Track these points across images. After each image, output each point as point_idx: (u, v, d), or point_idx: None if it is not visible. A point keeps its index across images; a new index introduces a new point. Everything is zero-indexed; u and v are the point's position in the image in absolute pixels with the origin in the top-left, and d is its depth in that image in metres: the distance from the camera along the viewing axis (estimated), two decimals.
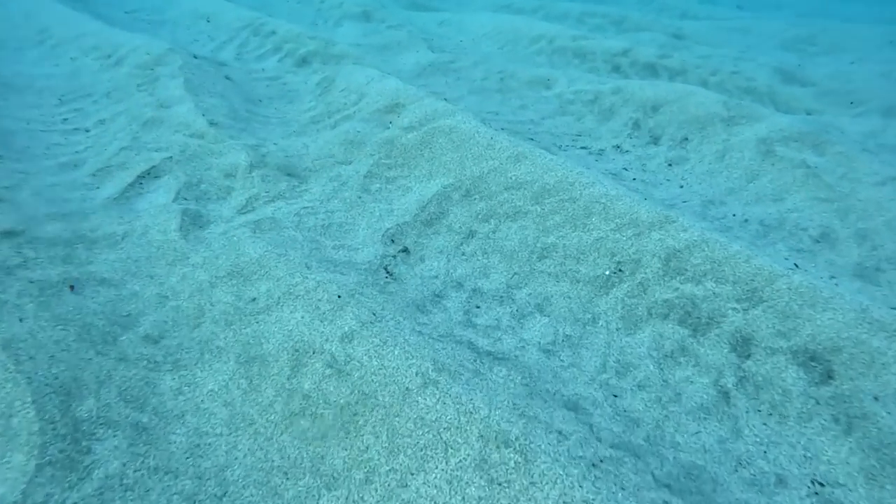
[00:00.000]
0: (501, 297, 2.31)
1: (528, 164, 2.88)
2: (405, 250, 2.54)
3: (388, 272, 2.36)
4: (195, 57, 4.74)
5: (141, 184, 2.95)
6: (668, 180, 3.36)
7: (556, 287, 2.33)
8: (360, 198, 2.89)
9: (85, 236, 2.43)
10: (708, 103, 3.95)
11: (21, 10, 6.04)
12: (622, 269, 2.34)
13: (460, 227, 2.67)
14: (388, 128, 3.43)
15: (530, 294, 2.32)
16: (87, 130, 3.58)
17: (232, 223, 2.64)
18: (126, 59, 4.60)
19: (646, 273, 2.28)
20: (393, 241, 2.57)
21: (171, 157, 3.18)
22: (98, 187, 2.91)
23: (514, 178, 2.83)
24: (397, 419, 1.61)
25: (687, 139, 3.78)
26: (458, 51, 5.87)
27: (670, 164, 3.53)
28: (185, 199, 2.84)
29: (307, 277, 2.16)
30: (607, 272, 2.34)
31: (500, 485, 1.41)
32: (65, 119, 3.71)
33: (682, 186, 3.28)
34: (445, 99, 3.74)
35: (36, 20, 5.75)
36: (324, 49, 5.37)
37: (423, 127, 3.32)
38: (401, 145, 3.22)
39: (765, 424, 1.74)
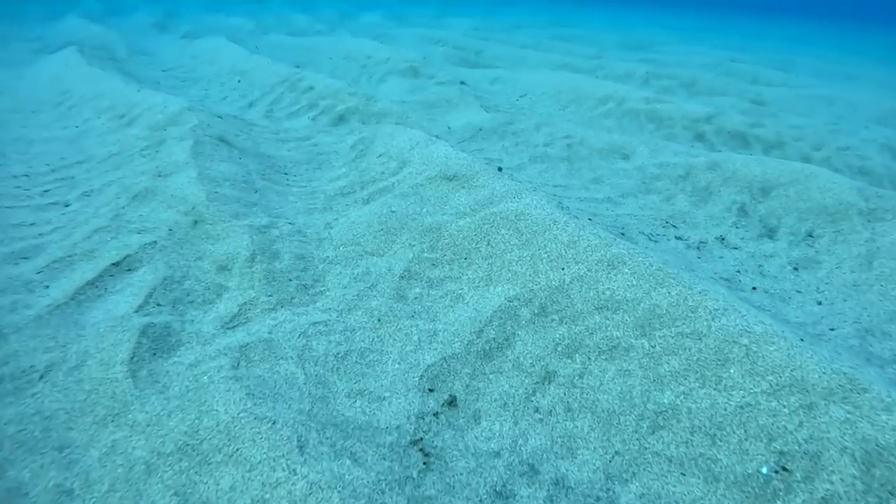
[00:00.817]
0: (598, 497, 1.42)
1: (627, 273, 2.01)
2: (452, 401, 1.68)
3: (424, 453, 1.49)
4: (219, 116, 4.15)
5: (104, 281, 2.22)
6: (798, 292, 2.44)
7: (681, 486, 1.41)
8: (392, 309, 2.07)
9: None
10: (837, 189, 3.04)
11: (51, 74, 5.72)
12: (788, 467, 1.41)
13: (532, 365, 1.81)
14: (435, 208, 2.64)
15: (642, 496, 1.41)
16: (67, 205, 2.93)
17: (209, 347, 1.85)
18: (139, 119, 4.05)
19: (832, 483, 1.34)
20: (432, 389, 1.72)
21: (154, 241, 2.46)
22: (47, 286, 2.19)
23: (608, 293, 1.96)
24: None
25: (813, 235, 2.87)
26: (515, 111, 5.16)
27: (796, 269, 2.62)
28: (158, 304, 2.08)
29: (295, 473, 1.31)
30: (764, 469, 1.42)
31: None
32: (45, 191, 3.09)
33: (820, 303, 2.36)
34: (501, 168, 2.97)
35: (61, 82, 5.38)
36: (364, 106, 4.74)
37: (481, 210, 2.52)
38: (450, 235, 2.41)
39: None
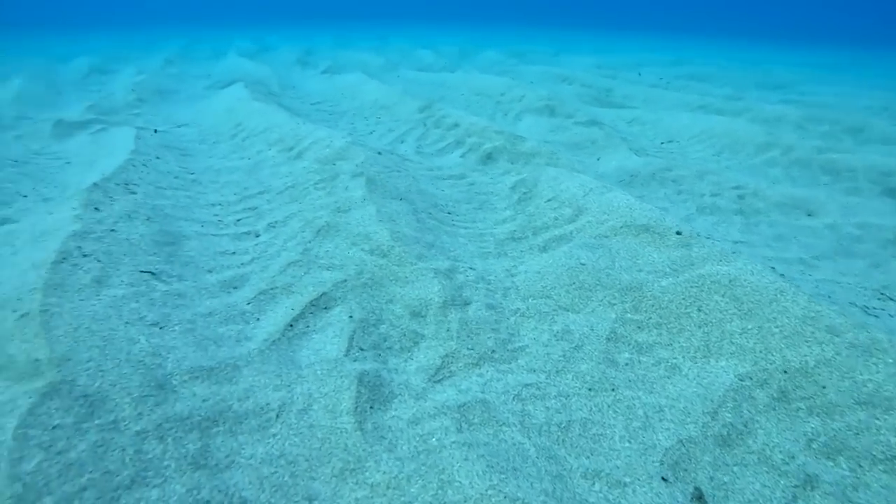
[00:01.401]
0: None
1: (891, 364, 1.75)
2: (700, 496, 1.51)
3: None
4: (379, 152, 4.28)
5: (307, 318, 2.27)
6: None
7: None
8: (605, 375, 1.94)
9: (230, 410, 1.72)
10: None
11: (225, 107, 6.24)
12: None
13: (785, 463, 1.59)
14: (628, 264, 2.50)
15: None
16: (258, 235, 3.09)
17: (425, 404, 1.80)
18: (307, 152, 4.27)
19: None
20: (666, 478, 1.56)
21: (345, 280, 2.51)
22: (258, 319, 2.28)
23: (870, 385, 1.72)
24: None
25: None
26: (665, 155, 4.93)
27: None
28: (361, 348, 2.09)
29: None
30: None
31: None
32: (238, 220, 3.28)
33: None
34: (680, 232, 2.77)
35: (234, 115, 5.84)
36: (511, 145, 4.72)
37: (684, 271, 2.35)
38: (653, 296, 2.26)
39: None
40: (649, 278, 2.34)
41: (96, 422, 1.51)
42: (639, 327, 2.15)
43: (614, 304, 2.27)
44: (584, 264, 2.52)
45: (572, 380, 1.93)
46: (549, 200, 3.34)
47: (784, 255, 3.06)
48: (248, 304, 2.38)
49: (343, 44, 17.01)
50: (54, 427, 1.46)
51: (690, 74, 10.92)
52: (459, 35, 21.90)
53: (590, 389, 1.89)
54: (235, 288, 2.52)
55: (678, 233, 2.76)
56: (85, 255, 2.41)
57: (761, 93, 9.31)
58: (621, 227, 2.79)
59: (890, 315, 2.51)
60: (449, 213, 3.49)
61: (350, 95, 7.44)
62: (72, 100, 7.45)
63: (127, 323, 2.00)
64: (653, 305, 2.21)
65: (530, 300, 2.41)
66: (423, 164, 4.46)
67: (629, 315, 2.20)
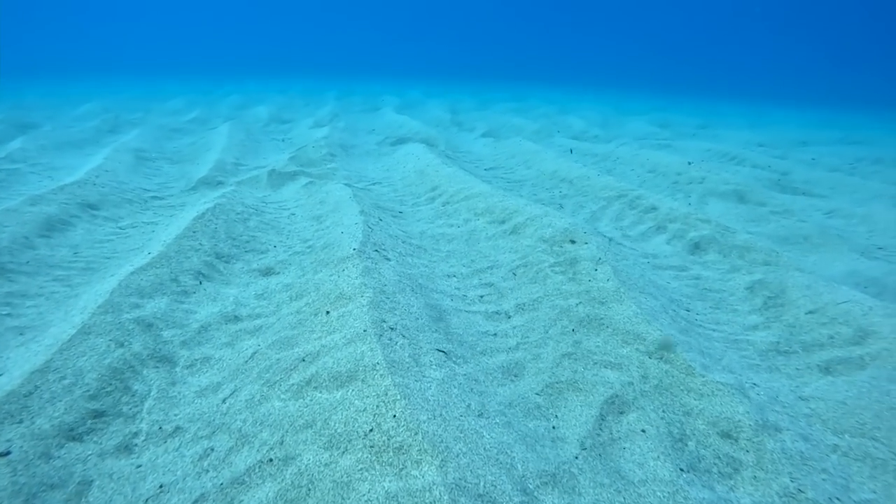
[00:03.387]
0: None
1: None
2: None
3: None
4: (604, 236, 4.29)
5: (608, 424, 2.24)
6: None
7: None
8: None
9: None
10: None
11: (415, 168, 6.62)
12: None
13: None
14: None
15: None
16: (509, 317, 3.16)
17: None
18: (524, 229, 4.37)
19: None
20: None
21: (630, 382, 2.47)
22: (556, 416, 2.28)
23: None
24: None
25: None
26: None
27: None
28: (681, 469, 2.01)
29: None
30: None
31: None
32: (480, 297, 3.38)
33: None
34: None
35: (426, 178, 6.17)
36: (721, 236, 4.55)
37: None
38: None
39: None
40: None
41: None
42: None
43: None
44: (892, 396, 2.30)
45: None
46: (811, 313, 3.14)
47: None
48: (538, 395, 2.40)
49: (482, 103, 17.68)
50: None
51: (875, 158, 10.13)
52: (584, 96, 22.05)
53: None
54: (515, 377, 2.56)
55: None
56: (392, 329, 2.56)
57: None
58: None
59: None
60: (688, 310, 3.39)
61: (524, 163, 7.63)
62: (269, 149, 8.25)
63: (462, 412, 2.08)
64: None
65: (847, 437, 2.23)
66: (635, 250, 4.40)
67: None
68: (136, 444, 2.00)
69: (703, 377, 2.47)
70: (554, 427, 2.22)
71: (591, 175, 6.41)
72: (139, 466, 1.88)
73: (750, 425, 2.20)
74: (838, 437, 2.23)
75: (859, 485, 1.99)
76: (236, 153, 7.49)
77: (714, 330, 3.18)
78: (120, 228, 4.35)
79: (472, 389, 2.33)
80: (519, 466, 1.87)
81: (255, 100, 15.95)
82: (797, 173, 8.31)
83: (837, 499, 1.91)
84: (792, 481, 1.97)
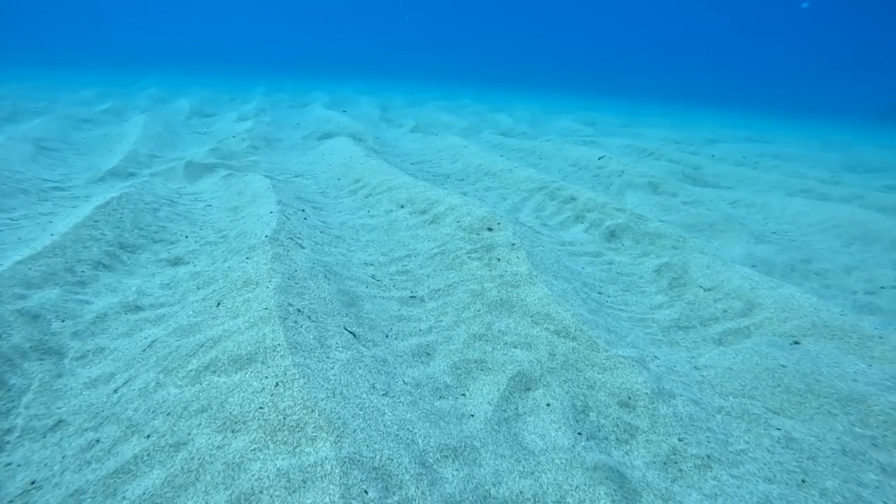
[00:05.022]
0: None
1: None
2: None
3: None
4: (523, 224, 4.38)
5: (514, 398, 2.29)
6: None
7: None
8: (858, 496, 1.87)
9: (490, 496, 1.73)
10: None
11: (339, 161, 6.52)
12: None
13: None
14: (835, 371, 2.45)
15: None
16: (423, 301, 3.16)
17: None
18: (444, 218, 4.39)
19: None
20: None
21: (538, 359, 2.53)
22: (463, 394, 2.31)
23: None
24: None
25: None
26: (791, 243, 4.88)
27: None
28: (581, 437, 2.08)
29: None
30: None
31: None
32: (396, 283, 3.37)
33: None
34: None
35: (351, 170, 6.09)
36: (635, 224, 4.76)
37: None
38: (882, 412, 2.19)
39: None
40: (871, 390, 2.28)
41: (395, 498, 1.54)
42: (874, 445, 2.09)
43: (836, 416, 2.21)
44: (784, 366, 2.48)
45: (820, 497, 1.87)
46: (709, 290, 3.33)
47: None
48: (448, 375, 2.42)
49: (415, 101, 17.68)
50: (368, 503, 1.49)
51: (775, 154, 10.90)
52: (518, 96, 22.53)
53: None
54: (427, 356, 2.57)
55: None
56: (299, 311, 2.51)
57: (858, 177, 9.19)
58: (810, 328, 2.75)
59: None
60: (600, 293, 3.52)
61: (450, 157, 7.68)
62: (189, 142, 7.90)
63: (365, 391, 2.06)
64: (885, 422, 2.15)
65: (731, 398, 2.38)
66: (553, 238, 4.52)
67: (858, 429, 2.15)
68: (7, 442, 1.85)
69: (607, 352, 2.56)
70: (461, 405, 2.24)
71: (515, 168, 6.54)
72: (8, 465, 1.74)
73: (646, 393, 2.30)
74: (724, 399, 2.38)
75: (736, 438, 2.13)
76: (152, 145, 7.13)
77: (623, 310, 3.31)
78: (11, 220, 4.03)
79: (379, 370, 2.31)
80: (420, 442, 1.87)
81: (177, 93, 15.25)
82: (707, 167, 8.80)
83: (718, 452, 2.03)
84: (680, 440, 2.08)
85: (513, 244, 3.64)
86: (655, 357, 2.67)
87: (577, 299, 3.11)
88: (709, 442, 2.10)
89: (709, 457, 2.02)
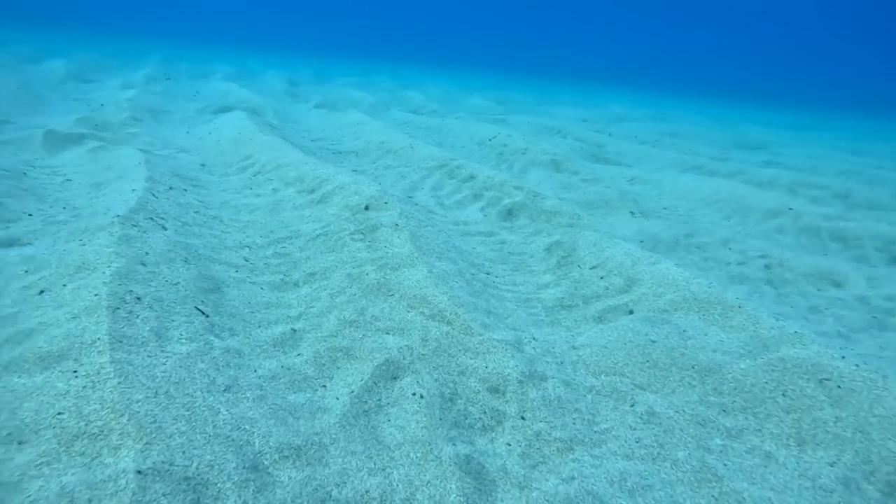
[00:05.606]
0: None
1: None
2: None
3: None
4: (411, 203, 4.21)
5: (378, 389, 2.15)
6: None
7: None
8: (705, 464, 1.88)
9: (330, 497, 1.57)
10: None
11: (230, 137, 6.07)
12: None
13: None
14: (699, 343, 2.49)
15: None
16: (297, 286, 2.95)
17: (531, 493, 1.70)
18: (332, 197, 4.15)
19: None
20: None
21: (409, 346, 2.40)
22: (324, 386, 2.14)
23: None
24: None
25: None
26: (680, 219, 5.05)
27: None
28: (441, 419, 1.98)
29: None
30: None
31: None
32: (270, 266, 3.13)
33: None
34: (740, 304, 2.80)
35: (241, 147, 5.68)
36: (532, 202, 4.73)
37: (761, 354, 2.34)
38: (734, 379, 2.24)
39: None
40: (726, 359, 2.32)
41: None
42: (724, 411, 2.12)
43: (694, 386, 2.23)
44: (654, 341, 2.49)
45: (671, 468, 1.87)
46: (593, 268, 3.34)
47: (822, 328, 3.11)
48: (310, 366, 2.24)
49: (325, 76, 17.04)
50: None
51: (671, 132, 11.38)
52: (435, 74, 22.31)
53: (696, 479, 1.82)
54: (291, 346, 2.37)
55: (774, 317, 2.78)
56: (139, 300, 2.22)
57: (743, 153, 9.76)
58: (681, 301, 2.79)
59: None
60: (488, 273, 3.44)
61: (352, 135, 7.38)
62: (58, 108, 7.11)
63: (201, 388, 1.84)
64: (735, 389, 2.19)
65: (603, 377, 2.36)
66: (448, 218, 4.41)
67: (712, 398, 2.17)
68: None
69: (481, 336, 2.46)
70: (319, 398, 2.06)
71: (416, 146, 6.36)
72: None
73: (517, 378, 2.23)
74: (596, 378, 2.35)
75: (603, 417, 2.10)
76: (4, 108, 6.33)
77: (509, 290, 3.24)
78: None
79: (228, 363, 2.09)
80: (257, 442, 1.68)
81: (52, 53, 13.73)
82: (612, 146, 9.02)
83: (582, 433, 1.99)
84: (546, 424, 2.02)
85: (396, 224, 3.48)
86: (534, 339, 2.61)
87: (459, 281, 3.00)
88: (574, 424, 2.05)
89: (572, 439, 1.97)
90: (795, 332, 2.44)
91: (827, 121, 20.06)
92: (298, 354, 2.32)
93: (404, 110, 10.84)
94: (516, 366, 2.27)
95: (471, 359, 2.36)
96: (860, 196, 6.47)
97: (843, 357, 2.23)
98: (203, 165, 5.17)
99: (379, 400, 2.09)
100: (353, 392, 2.09)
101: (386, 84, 15.82)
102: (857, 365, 2.16)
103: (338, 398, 2.05)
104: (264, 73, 14.98)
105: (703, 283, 2.90)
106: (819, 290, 3.60)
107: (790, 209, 5.14)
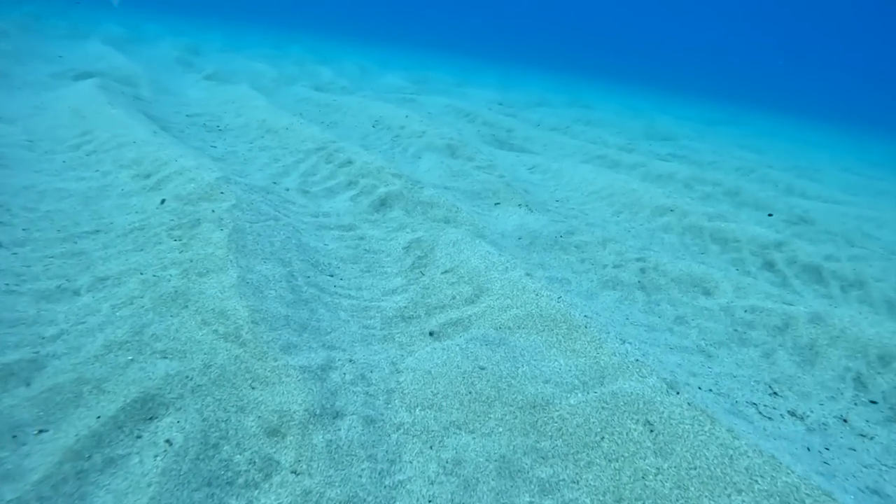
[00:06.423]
0: None
1: None
2: None
3: None
4: (256, 191, 3.70)
5: (117, 433, 1.69)
6: None
7: None
8: None
9: None
10: None
11: (71, 108, 5.26)
12: None
13: None
14: (532, 370, 2.17)
15: None
16: (77, 294, 2.41)
17: None
18: (166, 183, 3.58)
19: None
20: None
21: (186, 375, 1.95)
22: (39, 432, 1.66)
23: None
24: None
25: None
26: (567, 214, 4.80)
27: None
28: (186, 481, 1.55)
29: None
30: None
31: None
32: (50, 268, 2.57)
33: None
34: (587, 316, 2.52)
35: (82, 120, 4.92)
36: (409, 191, 4.34)
37: (594, 387, 2.06)
38: (560, 418, 1.93)
39: None
40: (556, 392, 2.02)
41: None
42: (542, 458, 1.81)
43: (515, 426, 1.91)
44: (483, 368, 2.15)
45: None
46: (446, 272, 2.98)
47: (684, 343, 2.92)
48: (33, 406, 1.74)
49: (235, 45, 15.89)
50: None
51: (586, 119, 11.31)
52: (360, 51, 21.43)
53: None
54: (25, 383, 1.86)
55: (625, 341, 2.50)
56: None
57: (651, 144, 9.78)
58: (525, 318, 2.48)
59: (781, 416, 2.40)
60: (331, 275, 3.02)
61: (235, 111, 6.70)
62: None
63: None
64: (558, 430, 1.89)
65: (417, 411, 2.00)
66: (307, 209, 3.93)
67: (531, 440, 1.86)
68: None
69: (276, 361, 2.04)
70: (21, 455, 1.58)
71: (299, 125, 5.81)
72: None
73: (300, 417, 1.83)
74: (409, 412, 1.99)
75: (401, 467, 1.74)
76: None
77: (349, 297, 2.83)
78: None
79: None
80: None
81: None
82: (520, 131, 8.77)
83: (367, 489, 1.62)
84: (322, 480, 1.63)
85: (221, 219, 2.98)
86: (350, 361, 2.21)
87: (280, 289, 2.56)
88: (360, 477, 1.68)
89: (350, 499, 1.60)
90: (637, 359, 2.17)
91: (736, 116, 20.86)
92: (27, 391, 1.81)
93: (308, 87, 10.14)
94: (304, 400, 1.87)
95: (257, 391, 1.93)
96: (749, 195, 6.50)
97: (678, 392, 1.97)
98: (29, 141, 4.42)
99: (108, 452, 1.63)
100: (69, 446, 1.61)
101: (298, 57, 14.91)
102: (688, 403, 1.91)
103: (42, 458, 1.57)
104: (160, 40, 13.70)
105: (552, 296, 2.60)
106: (688, 297, 3.41)
107: (676, 208, 5.01)
